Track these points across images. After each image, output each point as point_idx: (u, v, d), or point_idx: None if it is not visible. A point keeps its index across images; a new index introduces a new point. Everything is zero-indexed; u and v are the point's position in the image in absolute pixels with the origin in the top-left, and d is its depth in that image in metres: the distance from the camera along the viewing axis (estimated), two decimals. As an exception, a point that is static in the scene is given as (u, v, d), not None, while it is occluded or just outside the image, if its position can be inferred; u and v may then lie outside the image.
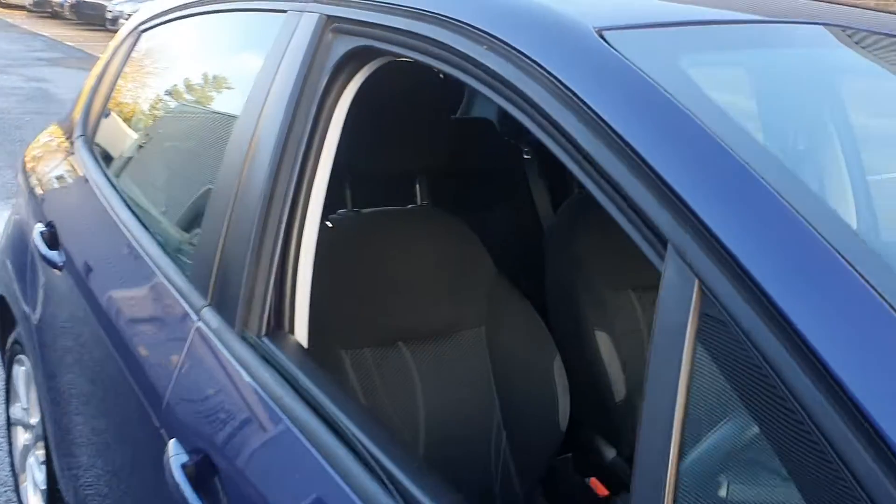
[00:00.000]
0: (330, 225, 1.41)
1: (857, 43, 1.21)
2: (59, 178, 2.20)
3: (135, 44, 2.12)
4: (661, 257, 0.78)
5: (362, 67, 1.26)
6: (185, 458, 1.16)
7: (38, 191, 2.28)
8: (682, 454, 0.71)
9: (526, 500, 1.72)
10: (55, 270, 1.91)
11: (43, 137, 2.55)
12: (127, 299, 1.62)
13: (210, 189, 1.41)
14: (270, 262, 1.23)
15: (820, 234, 0.69)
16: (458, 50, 1.01)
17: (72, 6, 23.26)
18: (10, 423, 2.61)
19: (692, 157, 0.79)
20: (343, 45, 1.24)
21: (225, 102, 1.68)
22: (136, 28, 2.14)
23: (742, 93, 1.09)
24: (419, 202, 1.80)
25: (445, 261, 1.73)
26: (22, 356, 2.32)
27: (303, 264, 1.26)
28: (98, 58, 2.42)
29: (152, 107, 2.09)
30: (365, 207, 1.75)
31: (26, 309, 2.13)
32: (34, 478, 2.35)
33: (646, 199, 0.79)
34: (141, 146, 2.10)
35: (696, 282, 0.73)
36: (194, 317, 1.32)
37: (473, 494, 1.66)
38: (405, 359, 1.66)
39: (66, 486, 1.99)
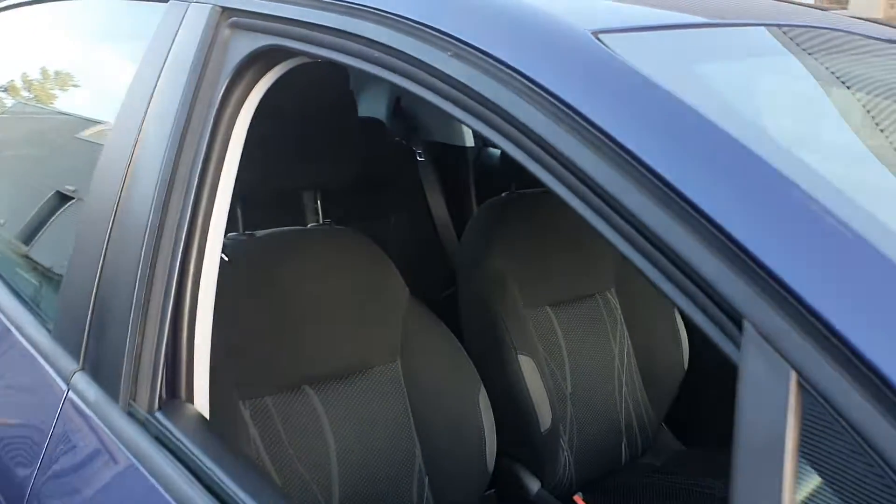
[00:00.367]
0: (226, 258, 1.17)
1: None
2: None
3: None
4: (733, 341, 0.61)
5: (269, 70, 1.03)
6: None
7: None
8: None
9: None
10: None
11: None
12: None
13: (78, 221, 1.13)
14: (162, 313, 0.98)
15: None
16: (413, 56, 0.80)
17: None
18: None
19: (766, 201, 0.62)
20: (245, 44, 1.01)
21: (91, 112, 1.38)
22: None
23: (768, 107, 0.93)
24: (320, 219, 1.57)
25: (355, 288, 1.52)
26: None
27: (202, 313, 1.02)
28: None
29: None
30: (258, 228, 1.50)
31: None
32: None
33: (703, 257, 0.61)
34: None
35: (794, 375, 0.57)
36: (63, 385, 1.04)
37: (395, 548, 1.47)
38: (312, 404, 1.44)
39: None
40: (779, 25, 1.02)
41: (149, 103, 1.05)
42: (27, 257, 1.50)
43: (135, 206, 1.03)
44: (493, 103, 0.74)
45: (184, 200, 1.00)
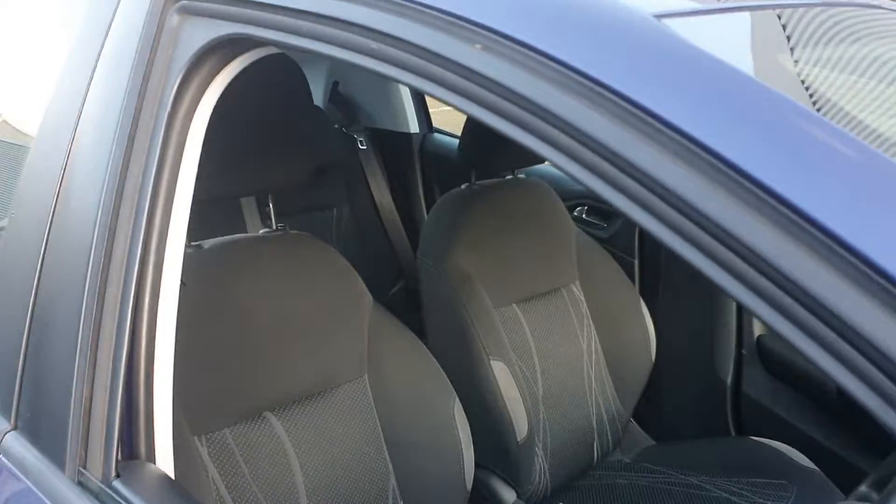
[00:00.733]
0: (184, 283, 1.00)
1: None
2: None
3: None
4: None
5: (230, 63, 0.87)
6: None
7: None
8: None
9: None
10: None
11: None
12: None
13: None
14: (115, 355, 0.82)
15: None
16: (427, 50, 0.66)
17: None
18: None
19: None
20: (201, 34, 0.84)
21: (9, 115, 1.18)
22: None
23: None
24: (273, 224, 1.41)
25: (316, 302, 1.37)
26: None
27: (161, 350, 0.86)
28: None
29: None
30: (200, 236, 1.33)
31: None
32: None
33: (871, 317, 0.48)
34: None
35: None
36: (-10, 449, 0.87)
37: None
38: (275, 431, 1.30)
39: None
40: (857, 5, 0.91)
41: (83, 106, 0.87)
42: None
43: (72, 227, 0.86)
44: (537, 105, 0.60)
45: (134, 218, 0.84)
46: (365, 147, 2.46)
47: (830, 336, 0.48)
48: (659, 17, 0.61)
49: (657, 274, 2.01)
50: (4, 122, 1.24)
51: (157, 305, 0.86)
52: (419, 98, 2.57)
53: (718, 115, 0.54)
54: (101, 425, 0.81)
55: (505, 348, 1.64)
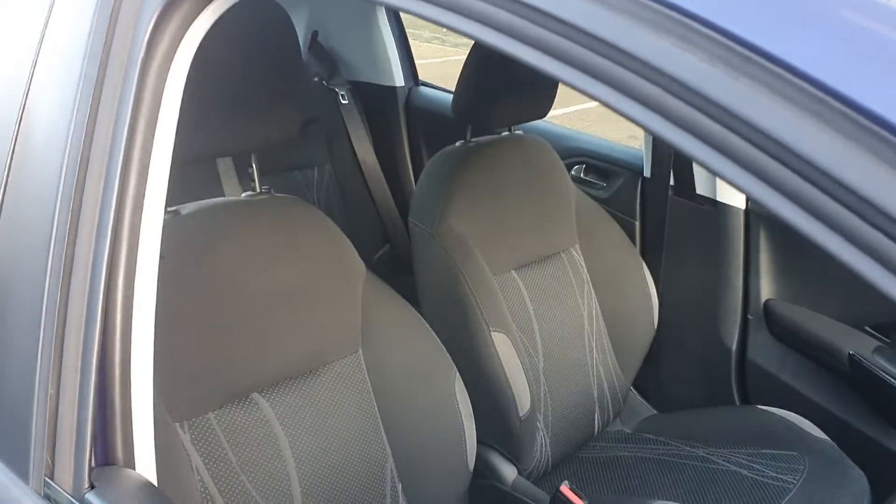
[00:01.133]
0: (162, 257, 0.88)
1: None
2: None
3: None
4: None
5: (212, 1, 0.74)
6: None
7: None
8: None
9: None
10: None
11: None
12: None
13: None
14: (84, 349, 0.70)
15: None
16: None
17: None
18: None
19: None
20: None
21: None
22: None
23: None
24: (257, 186, 1.28)
25: (306, 272, 1.25)
26: None
27: (139, 338, 0.74)
28: None
29: None
30: (174, 202, 1.19)
31: None
32: None
33: None
34: None
35: None
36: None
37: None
38: (263, 413, 1.19)
39: None
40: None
41: (37, 55, 0.74)
42: None
43: (30, 198, 0.73)
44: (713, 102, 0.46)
45: (104, 184, 0.71)
46: (347, 102, 2.31)
47: None
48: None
49: (660, 236, 1.92)
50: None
51: (133, 286, 0.74)
52: (404, 49, 2.42)
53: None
54: (71, 428, 0.69)
55: (505, 319, 1.54)
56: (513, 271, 1.65)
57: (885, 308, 1.66)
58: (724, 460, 1.60)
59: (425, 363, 1.34)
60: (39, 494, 0.68)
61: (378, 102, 2.40)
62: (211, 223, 1.18)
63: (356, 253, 1.33)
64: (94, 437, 0.69)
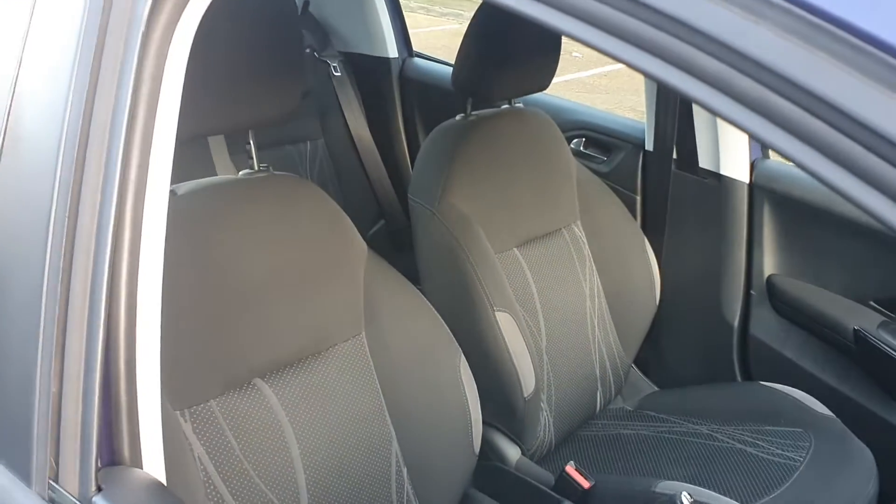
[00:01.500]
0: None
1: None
2: None
3: None
4: None
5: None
6: None
7: None
8: None
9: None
10: None
11: None
12: None
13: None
14: (87, 346, 0.66)
15: None
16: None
17: None
18: None
19: None
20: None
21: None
22: None
23: None
24: (255, 164, 1.23)
25: (308, 253, 1.21)
26: None
27: (144, 334, 0.70)
28: None
29: None
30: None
31: None
32: None
33: None
34: None
35: None
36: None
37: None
38: (266, 399, 1.15)
39: None
40: None
41: (28, 27, 0.68)
42: None
43: (25, 181, 0.68)
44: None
45: (105, 166, 0.67)
46: (339, 74, 2.25)
47: None
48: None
49: (662, 210, 1.89)
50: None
51: (137, 275, 0.70)
52: (398, 19, 2.35)
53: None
54: (75, 427, 0.65)
55: (509, 298, 1.51)
56: (515, 249, 1.62)
57: (890, 282, 1.64)
58: (728, 437, 1.59)
59: (430, 344, 1.31)
60: (43, 498, 0.65)
61: (371, 74, 2.34)
62: (209, 203, 1.13)
63: (356, 232, 1.29)
64: (99, 437, 0.66)
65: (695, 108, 1.76)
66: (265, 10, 1.07)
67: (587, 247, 1.74)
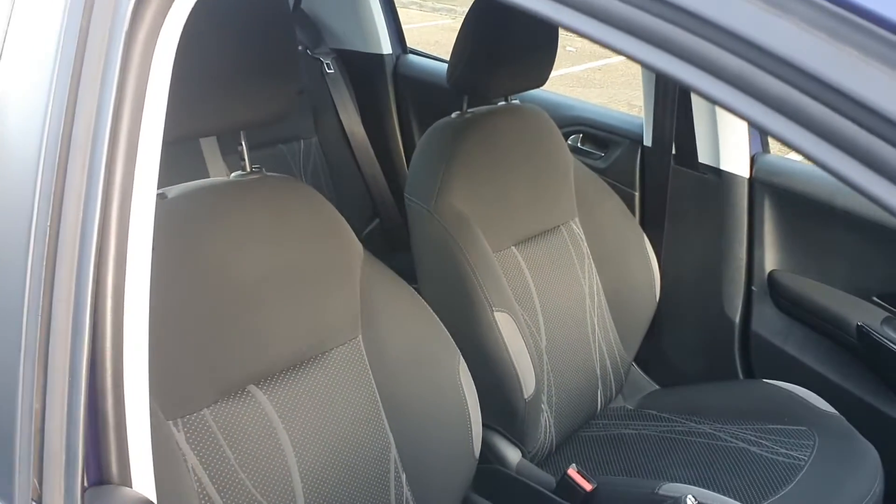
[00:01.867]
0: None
1: None
2: None
3: None
4: None
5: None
6: None
7: None
8: None
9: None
10: None
11: None
12: None
13: None
14: (72, 358, 0.63)
15: None
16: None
17: None
18: None
19: None
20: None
21: None
22: None
23: None
24: (248, 166, 1.20)
25: (303, 256, 1.18)
26: None
27: (132, 344, 0.67)
28: None
29: None
30: (161, 183, 1.10)
31: None
32: None
33: None
34: None
35: None
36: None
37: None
38: (261, 406, 1.12)
39: None
40: None
41: (5, 34, 0.65)
42: None
43: (4, 196, 0.65)
44: None
45: (89, 170, 0.64)
46: (332, 71, 2.22)
47: None
48: None
49: (661, 207, 1.86)
50: None
51: (124, 283, 0.67)
52: (391, 15, 2.32)
53: None
54: (60, 445, 0.62)
55: (507, 298, 1.48)
56: (513, 247, 1.59)
57: (894, 277, 1.62)
58: (731, 437, 1.56)
59: (428, 347, 1.28)
60: (27, 520, 0.62)
61: (365, 71, 2.31)
62: (200, 206, 1.10)
63: (353, 234, 1.26)
64: (85, 455, 0.63)
65: (694, 101, 1.74)
66: (256, 7, 1.04)
67: (586, 244, 1.71)
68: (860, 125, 0.37)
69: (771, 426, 1.57)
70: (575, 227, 1.71)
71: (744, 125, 1.73)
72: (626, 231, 1.76)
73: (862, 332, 1.56)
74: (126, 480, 0.66)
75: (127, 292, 0.67)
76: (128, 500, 0.64)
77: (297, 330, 1.16)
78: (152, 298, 0.74)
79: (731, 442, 1.55)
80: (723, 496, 1.32)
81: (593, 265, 1.72)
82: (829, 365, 1.66)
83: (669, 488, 1.32)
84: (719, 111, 1.71)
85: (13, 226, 0.64)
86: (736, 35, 0.39)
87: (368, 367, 1.24)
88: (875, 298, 1.63)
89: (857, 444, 1.49)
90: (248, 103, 1.08)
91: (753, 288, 1.77)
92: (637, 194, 1.91)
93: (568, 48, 7.57)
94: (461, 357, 1.30)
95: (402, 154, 2.37)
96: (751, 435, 1.56)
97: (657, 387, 1.90)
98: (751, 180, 1.73)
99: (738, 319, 1.78)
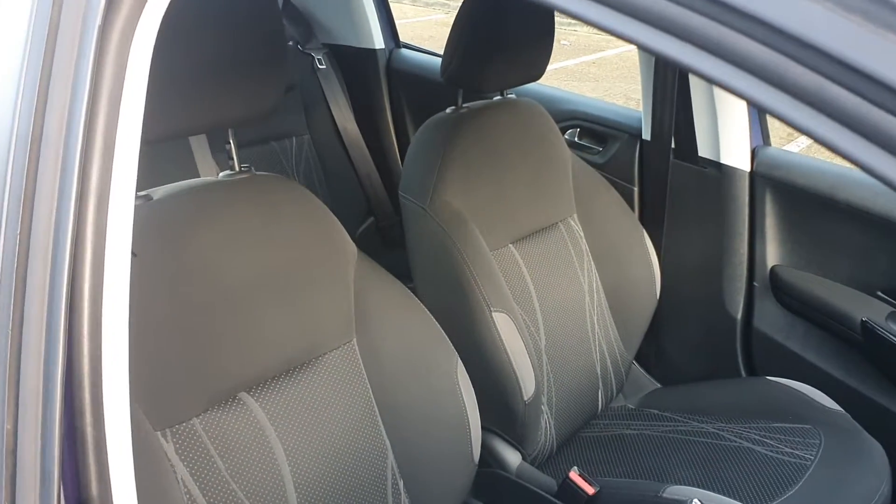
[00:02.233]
0: (134, 254, 0.76)
1: None
2: None
3: None
4: None
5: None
6: None
7: None
8: None
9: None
10: None
11: None
12: None
13: None
14: (46, 372, 0.59)
15: None
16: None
17: None
18: None
19: None
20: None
21: None
22: None
23: None
24: (236, 165, 1.16)
25: (295, 258, 1.15)
26: None
27: (111, 356, 0.63)
28: None
29: None
30: (144, 185, 1.06)
31: None
32: None
33: None
34: None
35: None
36: None
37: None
38: (252, 414, 1.09)
39: None
40: None
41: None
42: None
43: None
44: None
45: (62, 172, 0.60)
46: (324, 67, 2.18)
47: None
48: None
49: (660, 202, 1.83)
50: None
51: (101, 291, 0.63)
52: (384, 8, 2.28)
53: None
54: (34, 466, 0.58)
55: (506, 297, 1.45)
56: (510, 245, 1.55)
57: (898, 273, 1.59)
58: (735, 436, 1.53)
59: (425, 349, 1.25)
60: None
61: (357, 67, 2.26)
62: (187, 208, 1.06)
63: (346, 234, 1.22)
64: (62, 475, 0.59)
65: (693, 94, 1.70)
66: (244, 0, 1.00)
67: (585, 241, 1.68)
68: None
69: (775, 425, 1.54)
70: (573, 223, 1.68)
71: (744, 117, 1.69)
72: (626, 227, 1.72)
73: (866, 327, 1.53)
74: (107, 500, 0.62)
75: (105, 302, 0.63)
76: (108, 524, 0.60)
77: (289, 334, 1.13)
78: (137, 304, 0.70)
79: (735, 441, 1.52)
80: (729, 499, 1.28)
81: (592, 262, 1.68)
82: (832, 361, 1.63)
83: (674, 491, 1.28)
84: (719, 103, 1.68)
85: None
86: (758, 20, 0.36)
87: (363, 371, 1.20)
88: (879, 293, 1.60)
89: (864, 442, 1.46)
90: (235, 100, 1.04)
91: (755, 283, 1.74)
92: (636, 189, 1.87)
93: (562, 42, 7.53)
94: (459, 359, 1.26)
95: (397, 150, 2.33)
96: (755, 434, 1.52)
97: (658, 385, 1.87)
98: (752, 174, 1.70)
99: (739, 316, 1.75)
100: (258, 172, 1.18)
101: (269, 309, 1.10)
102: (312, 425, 1.13)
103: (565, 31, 7.78)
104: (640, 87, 1.82)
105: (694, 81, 1.69)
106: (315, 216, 1.18)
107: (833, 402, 1.56)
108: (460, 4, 1.46)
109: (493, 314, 1.40)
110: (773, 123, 1.80)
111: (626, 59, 7.28)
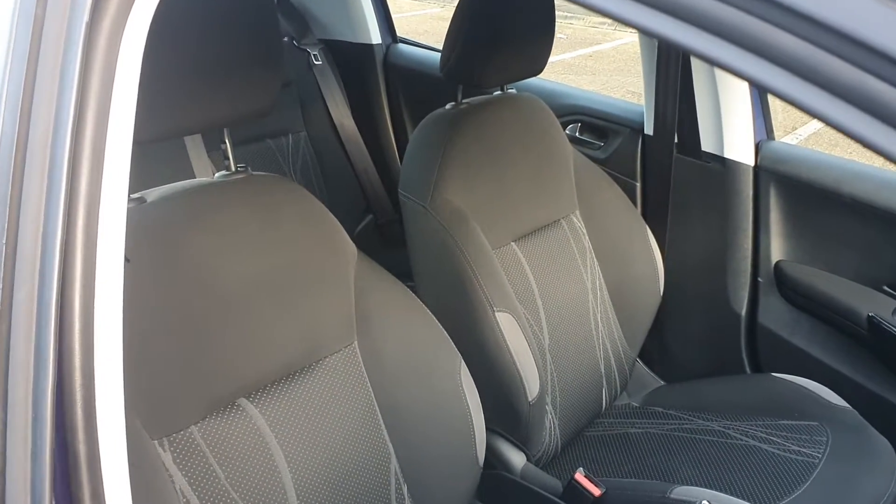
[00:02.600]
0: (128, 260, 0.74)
1: None
2: None
3: None
4: None
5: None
6: None
7: None
8: None
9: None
10: None
11: None
12: None
13: None
14: (35, 388, 0.57)
15: None
16: None
17: None
18: None
19: None
20: None
21: None
22: None
23: None
24: (232, 165, 1.14)
25: (294, 259, 1.12)
26: None
27: (104, 368, 0.61)
28: None
29: None
30: (138, 187, 1.04)
31: None
32: None
33: None
34: None
35: None
36: None
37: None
38: (252, 421, 1.06)
39: None
40: None
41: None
42: None
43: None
44: None
45: (49, 176, 0.58)
46: (320, 63, 2.15)
47: None
48: None
49: (663, 197, 1.80)
50: None
51: (93, 300, 0.61)
52: (381, 3, 2.25)
53: None
54: (24, 487, 0.56)
55: (509, 297, 1.42)
56: (512, 243, 1.53)
57: (906, 267, 1.56)
58: (741, 434, 1.51)
59: (427, 351, 1.22)
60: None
61: (354, 62, 2.23)
62: (181, 209, 1.04)
63: (345, 234, 1.20)
64: (55, 493, 0.57)
65: (696, 88, 1.67)
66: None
67: (587, 238, 1.65)
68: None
69: (782, 422, 1.51)
70: (576, 220, 1.65)
71: (748, 111, 1.67)
72: (629, 223, 1.70)
73: (873, 322, 1.51)
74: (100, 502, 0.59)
75: (97, 312, 0.60)
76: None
77: (289, 338, 1.10)
78: (132, 311, 0.68)
79: (742, 440, 1.50)
80: (737, 499, 1.26)
81: (595, 259, 1.66)
82: (838, 357, 1.61)
83: (682, 492, 1.26)
84: (722, 97, 1.65)
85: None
86: (795, 10, 0.33)
87: (365, 374, 1.18)
88: (886, 288, 1.58)
89: (872, 439, 1.44)
90: (231, 99, 1.01)
91: (759, 279, 1.72)
92: (639, 185, 1.85)
93: (559, 35, 7.51)
94: (462, 360, 1.24)
95: (395, 146, 2.30)
96: (761, 432, 1.50)
97: (662, 383, 1.85)
98: (756, 168, 1.67)
99: (744, 312, 1.73)
100: (255, 172, 1.15)
101: (269, 313, 1.08)
102: (314, 431, 1.11)
103: (561, 25, 7.75)
104: (638, 81, 1.80)
105: (697, 75, 1.66)
106: (314, 217, 1.16)
107: (840, 398, 1.54)
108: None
109: (496, 314, 1.37)
110: (775, 117, 1.77)
111: (623, 53, 7.25)
